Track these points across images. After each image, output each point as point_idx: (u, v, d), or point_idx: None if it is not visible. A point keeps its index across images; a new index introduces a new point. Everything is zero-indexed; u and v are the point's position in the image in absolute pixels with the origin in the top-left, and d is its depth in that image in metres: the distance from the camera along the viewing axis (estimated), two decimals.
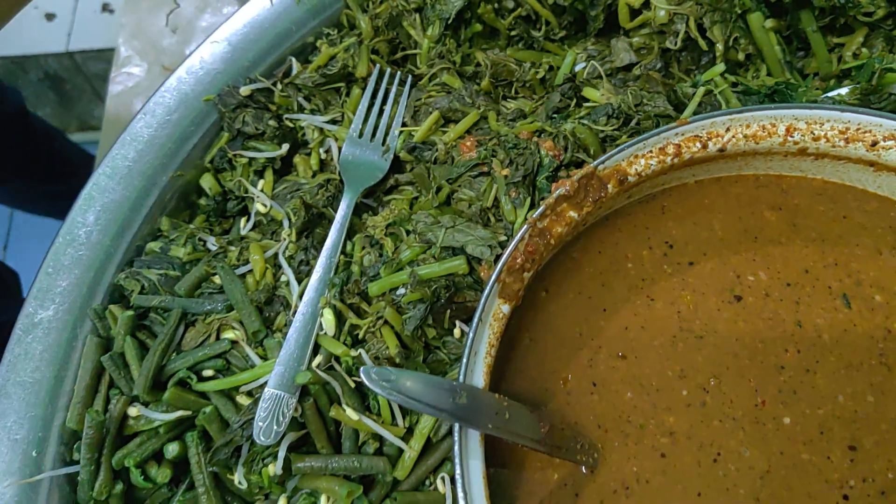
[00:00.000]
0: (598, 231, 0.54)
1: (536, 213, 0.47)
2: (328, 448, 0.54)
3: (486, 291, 0.45)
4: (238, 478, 0.53)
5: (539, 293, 0.52)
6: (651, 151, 0.49)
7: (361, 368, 0.40)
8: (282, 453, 0.52)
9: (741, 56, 0.61)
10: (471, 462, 0.42)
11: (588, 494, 0.46)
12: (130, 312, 0.56)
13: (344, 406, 0.53)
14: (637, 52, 0.62)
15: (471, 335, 0.44)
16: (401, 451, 0.53)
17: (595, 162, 0.48)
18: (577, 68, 0.64)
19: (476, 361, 0.44)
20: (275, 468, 0.52)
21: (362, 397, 0.54)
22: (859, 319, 0.50)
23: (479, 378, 0.44)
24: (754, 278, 0.52)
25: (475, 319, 0.44)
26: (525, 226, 0.46)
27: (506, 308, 0.46)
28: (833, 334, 0.50)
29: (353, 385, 0.53)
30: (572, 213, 0.48)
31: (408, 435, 0.53)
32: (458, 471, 0.41)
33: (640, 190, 0.54)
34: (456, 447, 0.42)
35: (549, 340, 0.51)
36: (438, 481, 0.53)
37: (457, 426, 0.42)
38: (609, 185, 0.49)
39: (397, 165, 0.63)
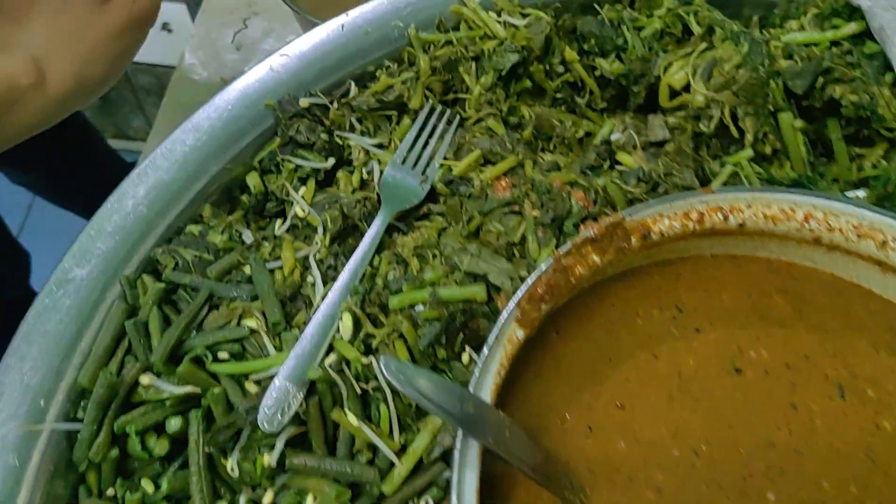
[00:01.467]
0: (614, 285, 0.56)
1: (562, 248, 0.49)
2: (323, 449, 0.54)
3: (506, 313, 0.46)
4: (232, 463, 0.54)
5: (550, 333, 0.54)
6: (676, 213, 0.51)
7: (381, 358, 0.41)
8: (279, 444, 0.53)
9: (768, 150, 0.63)
10: (467, 472, 0.43)
11: None
12: (161, 284, 0.58)
13: (346, 410, 0.54)
14: (671, 130, 0.65)
15: (485, 351, 0.45)
16: (391, 466, 0.54)
17: (623, 212, 0.50)
18: (614, 137, 0.67)
19: (486, 378, 0.45)
20: (270, 458, 0.53)
21: (365, 405, 0.55)
22: (851, 411, 0.52)
23: (487, 395, 0.45)
24: (756, 355, 0.54)
25: (491, 337, 0.46)
26: (550, 258, 0.48)
27: (520, 333, 0.48)
28: (825, 421, 0.51)
29: (358, 391, 0.54)
30: (595, 258, 0.50)
31: (401, 452, 0.54)
32: (454, 477, 0.42)
33: (660, 252, 0.56)
34: (456, 453, 0.42)
35: (553, 378, 0.52)
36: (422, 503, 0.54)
37: (460, 433, 0.43)
38: (633, 238, 0.51)
39: (432, 196, 0.65)
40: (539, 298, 0.48)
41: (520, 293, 0.47)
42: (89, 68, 0.65)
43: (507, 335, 0.47)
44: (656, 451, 0.50)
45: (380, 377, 0.53)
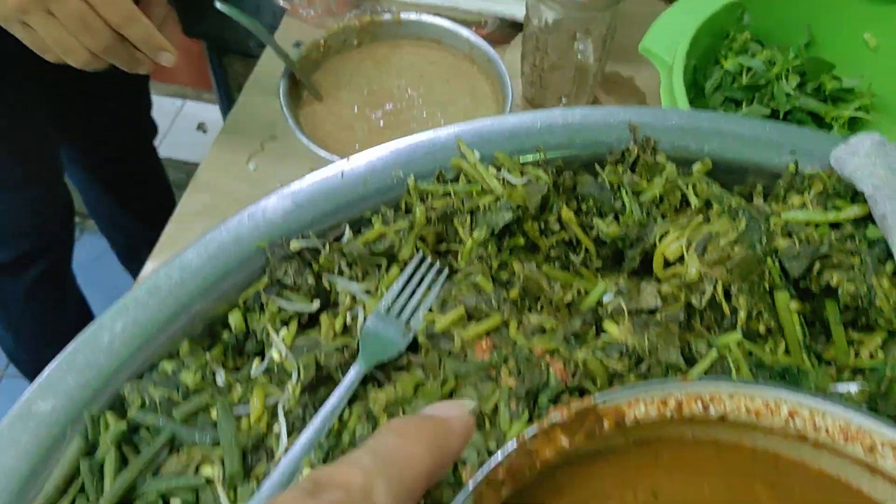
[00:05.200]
0: (585, 463, 0.56)
1: (528, 432, 0.49)
2: None
3: (461, 497, 0.46)
4: None
5: None
6: (653, 400, 0.52)
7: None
8: None
9: (762, 328, 0.64)
10: None
11: None
12: (123, 425, 0.59)
13: None
14: (664, 299, 0.67)
15: None
16: None
17: (597, 397, 0.51)
18: (605, 299, 0.68)
19: None
20: None
21: None
22: None
23: None
24: None
25: None
26: (513, 442, 0.49)
27: None
28: None
29: None
30: (564, 442, 0.51)
31: None
32: None
33: (638, 432, 0.56)
34: None
35: None
36: None
37: None
38: (605, 423, 0.51)
39: (413, 346, 0.67)
40: (499, 483, 0.48)
41: (479, 475, 0.47)
42: None
43: None
44: None
45: None
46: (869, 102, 1.09)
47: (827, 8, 1.09)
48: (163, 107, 2.85)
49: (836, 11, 1.09)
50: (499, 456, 0.48)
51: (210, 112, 2.98)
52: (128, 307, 0.64)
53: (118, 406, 0.62)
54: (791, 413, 0.52)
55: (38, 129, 1.38)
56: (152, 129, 1.81)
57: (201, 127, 3.02)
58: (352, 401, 0.62)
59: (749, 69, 1.03)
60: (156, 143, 1.88)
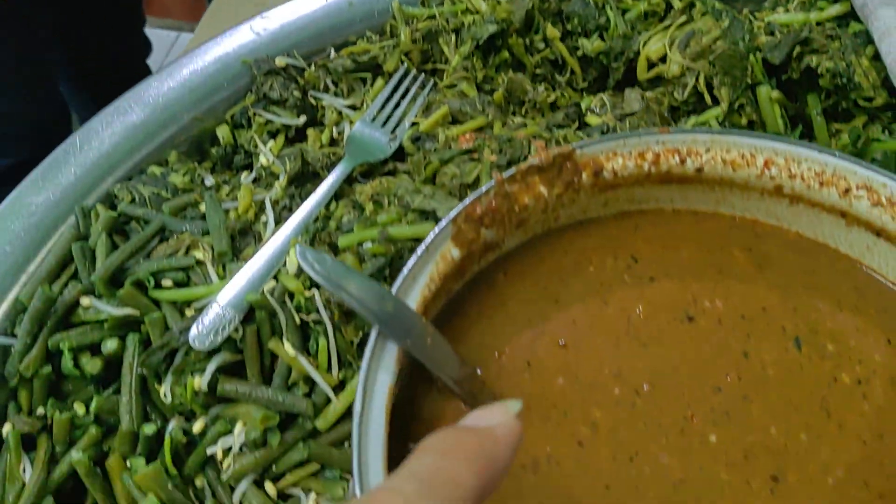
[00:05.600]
0: (568, 233, 0.57)
1: (506, 173, 0.50)
2: (258, 379, 0.55)
3: (437, 228, 0.48)
4: (165, 388, 0.55)
5: (497, 274, 0.55)
6: (630, 152, 0.53)
7: (297, 246, 0.42)
8: (211, 367, 0.54)
9: (744, 121, 0.65)
10: (380, 374, 0.43)
11: None
12: (113, 213, 0.60)
13: (284, 340, 0.55)
14: (647, 104, 0.67)
15: (413, 260, 0.46)
16: (328, 402, 0.54)
17: (575, 144, 0.51)
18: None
19: (413, 287, 0.46)
20: (201, 381, 0.54)
21: (305, 339, 0.56)
22: (808, 363, 0.51)
23: (412, 304, 0.46)
24: (710, 305, 0.54)
25: (421, 246, 0.47)
26: (492, 181, 0.50)
27: (455, 252, 0.49)
28: (778, 371, 0.51)
29: (298, 322, 0.56)
30: (542, 189, 0.52)
31: (338, 388, 0.55)
32: (362, 375, 0.43)
33: (618, 202, 0.57)
34: (368, 351, 0.43)
35: (496, 317, 0.53)
36: None
37: (375, 330, 0.44)
38: (584, 174, 0.52)
39: (401, 156, 0.68)
40: (477, 219, 0.49)
41: (455, 211, 0.48)
42: None
43: (439, 250, 0.48)
44: (596, 390, 0.50)
45: (318, 302, 0.54)
46: None
47: None
48: (160, 38, 2.85)
49: None
50: (477, 193, 0.50)
51: None
52: (117, 111, 0.65)
53: (109, 204, 0.64)
54: (767, 162, 0.53)
55: (40, 33, 1.39)
56: (146, 45, 1.81)
57: None
58: (339, 196, 0.63)
59: None
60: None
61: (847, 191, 0.52)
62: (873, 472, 0.46)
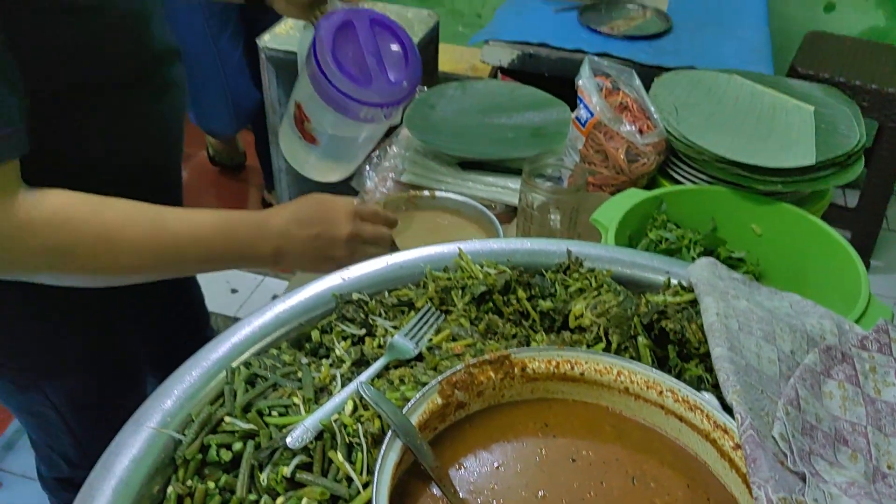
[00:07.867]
0: (508, 406, 0.97)
1: (471, 361, 0.92)
2: (319, 473, 0.94)
3: (432, 383, 0.88)
4: (264, 475, 0.94)
5: (465, 424, 0.94)
6: (542, 358, 0.94)
7: (360, 384, 0.84)
8: (294, 461, 0.93)
9: (627, 356, 1.07)
10: (391, 454, 0.82)
11: None
12: (248, 371, 1.03)
13: (337, 452, 0.94)
14: (573, 344, 1.10)
15: (417, 396, 0.87)
16: (358, 493, 0.92)
17: (511, 351, 0.93)
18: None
19: (414, 413, 0.86)
20: (287, 470, 0.92)
21: (350, 451, 0.95)
22: (638, 491, 0.87)
23: (413, 421, 0.86)
24: (586, 453, 0.91)
25: (422, 391, 0.88)
26: (462, 365, 0.91)
27: (439, 400, 0.89)
28: (620, 493, 0.87)
29: (347, 442, 0.95)
30: (492, 373, 0.93)
31: (366, 486, 0.93)
32: (381, 454, 0.81)
33: (538, 390, 0.97)
34: (385, 441, 0.82)
35: (460, 447, 0.91)
36: None
37: (391, 431, 0.83)
38: (515, 369, 0.94)
39: (419, 357, 1.10)
40: (453, 384, 0.90)
41: (442, 376, 0.90)
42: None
43: (430, 397, 0.89)
44: (513, 493, 0.87)
45: (360, 432, 0.94)
46: (754, 270, 1.55)
47: (724, 204, 1.60)
48: (244, 280, 3.45)
49: (731, 206, 1.60)
50: (453, 370, 0.91)
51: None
52: (252, 322, 1.10)
53: (246, 367, 1.07)
54: (618, 372, 0.94)
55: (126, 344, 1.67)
56: (205, 318, 2.04)
57: (235, 292, 3.57)
58: (380, 377, 1.05)
59: (666, 239, 1.52)
60: (236, 308, 2.27)
61: (661, 392, 0.92)
62: None
